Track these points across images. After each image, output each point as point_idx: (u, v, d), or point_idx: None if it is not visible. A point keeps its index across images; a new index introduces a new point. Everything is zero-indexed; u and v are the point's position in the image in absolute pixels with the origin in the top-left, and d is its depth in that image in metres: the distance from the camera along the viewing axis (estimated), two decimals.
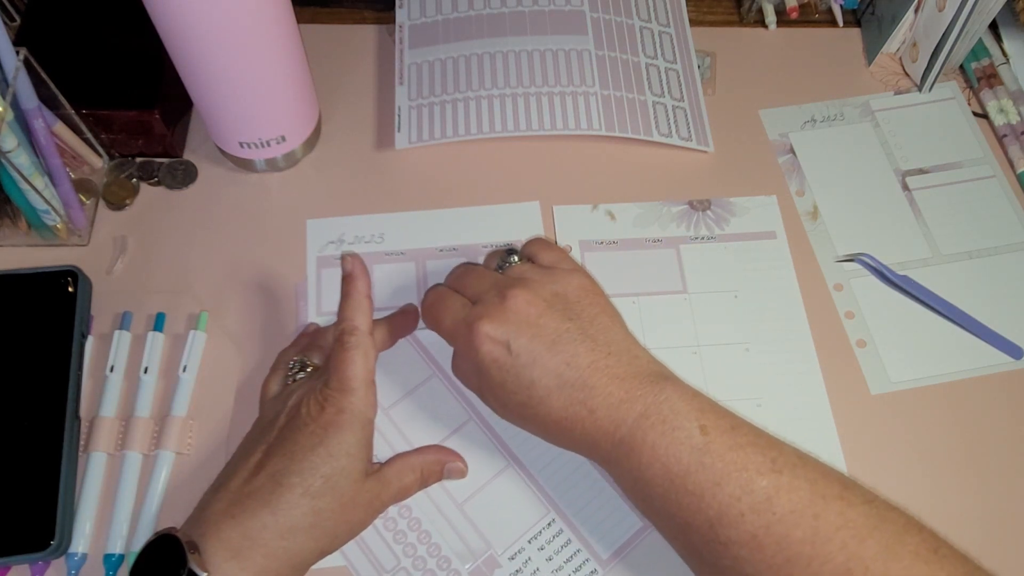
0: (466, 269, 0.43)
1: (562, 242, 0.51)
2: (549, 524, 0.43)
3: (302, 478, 0.37)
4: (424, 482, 0.42)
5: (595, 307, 0.40)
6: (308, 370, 0.43)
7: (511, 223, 0.52)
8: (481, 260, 0.50)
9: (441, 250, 0.50)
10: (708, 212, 0.53)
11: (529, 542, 0.43)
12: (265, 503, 0.36)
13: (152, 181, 0.52)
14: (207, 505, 0.37)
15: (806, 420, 0.46)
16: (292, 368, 0.43)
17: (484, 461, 0.44)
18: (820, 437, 0.46)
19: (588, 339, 0.38)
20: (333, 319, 0.48)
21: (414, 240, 0.51)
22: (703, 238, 0.52)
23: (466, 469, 0.44)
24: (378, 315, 0.48)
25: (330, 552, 0.38)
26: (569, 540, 0.43)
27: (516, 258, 0.43)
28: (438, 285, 0.44)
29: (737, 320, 0.49)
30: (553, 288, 0.40)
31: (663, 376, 0.37)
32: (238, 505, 0.36)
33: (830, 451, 0.46)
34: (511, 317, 0.38)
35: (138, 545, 0.41)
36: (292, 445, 0.38)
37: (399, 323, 0.46)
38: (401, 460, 0.42)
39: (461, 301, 0.41)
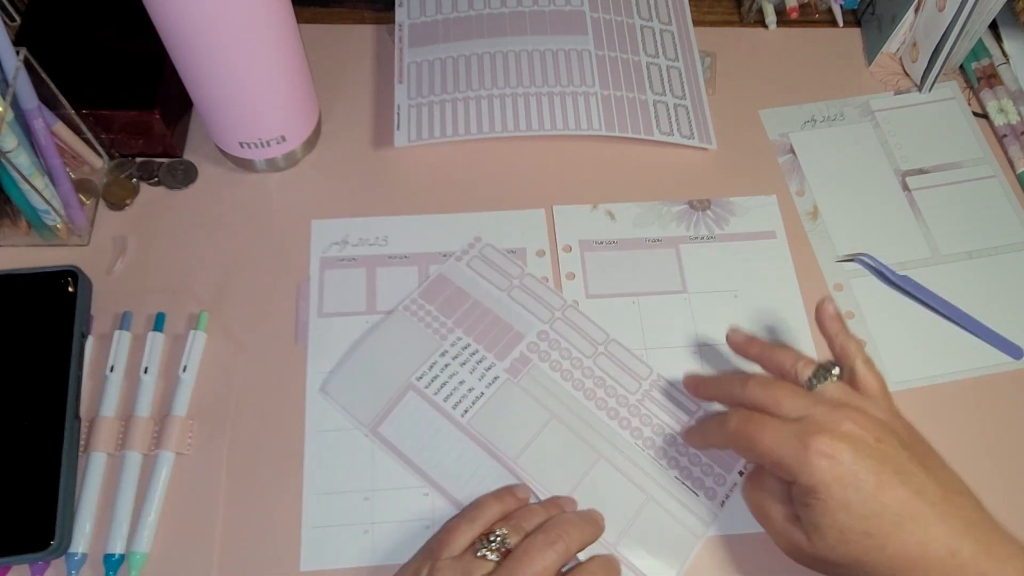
0: (767, 381, 0.39)
1: (562, 242, 0.51)
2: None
3: None
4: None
5: (924, 444, 0.38)
6: (500, 550, 0.37)
7: (516, 229, 0.52)
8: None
9: (444, 255, 0.50)
10: (708, 212, 0.53)
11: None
12: None
13: (152, 181, 0.52)
14: None
15: None
16: (492, 539, 0.38)
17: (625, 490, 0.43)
18: None
19: (931, 472, 0.35)
20: (333, 320, 0.48)
21: (418, 244, 0.51)
22: (703, 238, 0.52)
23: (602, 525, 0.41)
24: (381, 315, 0.48)
25: None
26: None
27: (837, 373, 0.39)
28: (731, 411, 0.39)
29: (737, 320, 0.49)
30: (882, 416, 0.37)
31: (1014, 537, 0.35)
32: None
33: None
34: (850, 436, 0.35)
35: (138, 545, 0.41)
36: None
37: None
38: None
39: (778, 420, 0.37)
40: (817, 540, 0.35)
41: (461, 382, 0.46)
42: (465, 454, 0.44)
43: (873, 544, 0.34)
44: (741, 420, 0.38)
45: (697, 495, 0.44)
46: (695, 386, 0.44)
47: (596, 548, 0.41)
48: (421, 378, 0.46)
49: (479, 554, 0.37)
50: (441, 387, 0.45)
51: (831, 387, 0.38)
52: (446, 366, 0.46)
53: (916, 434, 0.38)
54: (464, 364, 0.46)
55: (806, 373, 0.39)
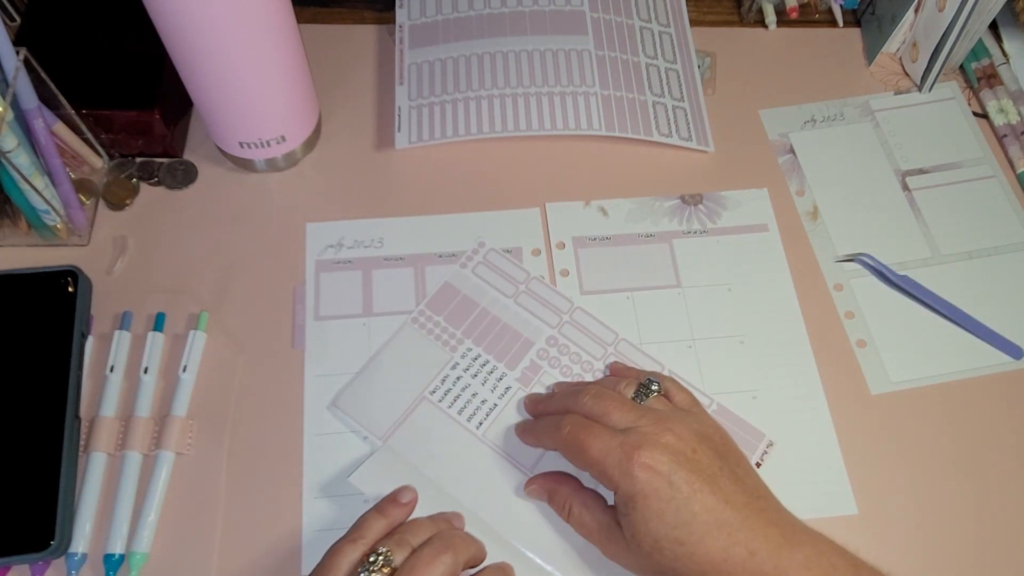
0: (600, 393, 0.41)
1: (556, 239, 0.51)
2: None
3: None
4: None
5: (737, 452, 0.40)
6: (384, 569, 0.36)
7: (511, 229, 0.52)
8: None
9: (440, 255, 0.50)
10: (700, 206, 0.53)
11: None
12: None
13: (152, 181, 0.52)
14: None
15: (802, 412, 0.47)
16: (374, 560, 0.36)
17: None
18: (816, 428, 0.46)
19: (739, 480, 0.38)
20: (330, 323, 0.48)
21: (413, 245, 0.51)
22: (696, 232, 0.52)
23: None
24: (377, 319, 0.48)
25: None
26: None
27: (656, 389, 0.41)
28: (566, 415, 0.41)
29: (731, 313, 0.49)
30: (699, 427, 0.39)
31: (811, 529, 0.38)
32: None
33: (828, 450, 0.46)
34: (670, 448, 0.37)
35: (138, 545, 0.41)
36: None
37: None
38: None
39: (608, 430, 0.39)
40: (635, 548, 0.37)
41: (474, 395, 0.45)
42: (481, 465, 0.44)
43: (684, 552, 0.36)
44: (574, 427, 0.39)
45: None
46: (531, 405, 0.45)
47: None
48: (434, 392, 0.45)
49: (366, 570, 0.36)
50: (455, 400, 0.45)
51: (654, 400, 0.41)
52: (458, 379, 0.46)
53: (730, 442, 0.40)
54: (476, 376, 0.46)
55: (629, 392, 0.42)
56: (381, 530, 0.39)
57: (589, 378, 0.46)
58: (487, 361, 0.47)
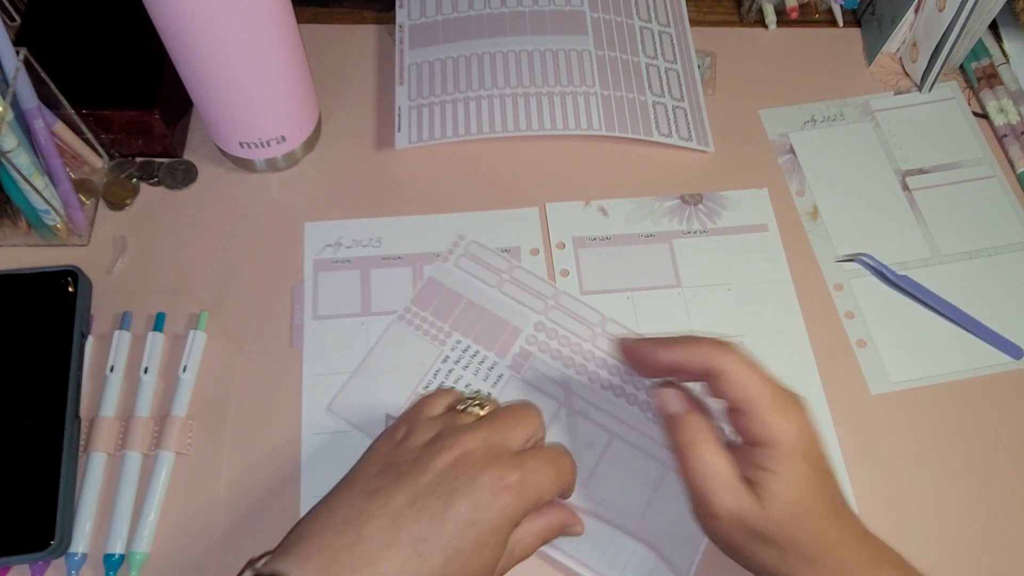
0: None
1: (556, 239, 0.51)
2: None
3: (444, 555, 0.32)
4: (542, 543, 0.38)
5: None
6: (483, 410, 0.38)
7: (509, 228, 0.52)
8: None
9: (439, 255, 0.50)
10: (700, 206, 0.53)
11: None
12: (401, 566, 0.32)
13: (152, 181, 0.52)
14: (328, 544, 0.32)
15: None
16: (470, 400, 0.38)
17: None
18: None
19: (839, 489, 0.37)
20: (329, 323, 0.48)
21: (412, 245, 0.51)
22: (695, 232, 0.52)
23: (583, 530, 0.40)
24: (376, 319, 0.48)
25: None
26: None
27: None
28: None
29: (731, 313, 0.49)
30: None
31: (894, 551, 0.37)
32: (368, 564, 0.32)
33: (828, 449, 0.45)
34: (817, 443, 0.36)
35: (138, 545, 0.41)
36: (444, 509, 0.33)
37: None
38: (525, 527, 0.37)
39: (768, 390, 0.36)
40: (761, 512, 0.34)
41: (467, 385, 0.46)
42: None
43: (816, 529, 0.34)
44: (732, 354, 0.37)
45: None
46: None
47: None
48: (428, 387, 0.46)
49: (461, 408, 0.38)
50: None
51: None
52: (450, 371, 0.46)
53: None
54: (467, 367, 0.46)
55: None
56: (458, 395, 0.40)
57: (579, 359, 0.47)
58: (477, 351, 0.47)
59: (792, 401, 0.36)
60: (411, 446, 0.36)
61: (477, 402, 0.38)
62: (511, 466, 0.35)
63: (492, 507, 0.34)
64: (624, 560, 0.42)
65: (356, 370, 0.46)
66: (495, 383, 0.46)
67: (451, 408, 0.39)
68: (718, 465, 0.36)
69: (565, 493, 0.39)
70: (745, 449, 0.36)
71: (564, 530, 0.39)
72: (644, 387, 0.46)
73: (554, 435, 0.44)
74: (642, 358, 0.39)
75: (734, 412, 0.36)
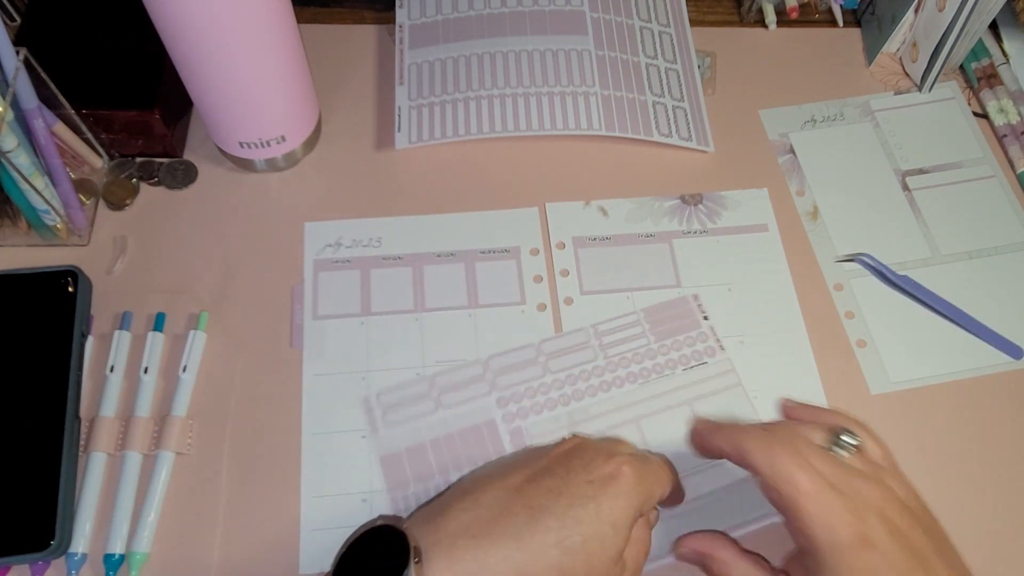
0: (789, 435, 0.35)
1: (555, 239, 0.51)
2: None
3: (562, 524, 0.32)
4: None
5: (938, 525, 0.35)
6: (854, 451, 0.36)
7: (509, 228, 0.52)
8: (479, 265, 0.50)
9: (439, 255, 0.50)
10: (700, 206, 0.53)
11: None
12: (515, 536, 0.32)
13: (152, 181, 0.52)
14: (446, 509, 0.33)
15: None
16: (845, 437, 0.36)
17: None
18: None
19: (947, 565, 0.33)
20: (329, 322, 0.48)
21: (412, 245, 0.51)
22: (696, 232, 0.52)
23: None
24: (376, 319, 0.48)
25: None
26: None
27: (852, 442, 0.36)
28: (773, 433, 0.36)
29: (731, 313, 0.49)
30: (906, 495, 0.35)
31: None
32: (483, 526, 0.32)
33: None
34: (886, 519, 0.32)
35: (138, 545, 0.41)
36: (562, 485, 0.34)
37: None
38: (643, 545, 0.36)
39: (817, 472, 0.33)
40: None
41: None
42: None
43: None
44: (783, 445, 0.34)
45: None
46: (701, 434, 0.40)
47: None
48: None
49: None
50: None
51: (848, 458, 0.35)
52: None
53: (929, 513, 0.36)
54: None
55: (817, 438, 0.35)
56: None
57: (555, 394, 0.46)
58: (475, 468, 0.44)
59: (850, 490, 0.32)
60: (525, 454, 0.38)
61: (852, 445, 0.36)
62: (626, 453, 0.36)
63: (609, 486, 0.34)
64: None
65: None
66: None
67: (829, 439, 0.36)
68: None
69: (674, 496, 0.40)
70: (800, 555, 0.34)
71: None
72: (650, 356, 0.47)
73: None
74: (701, 446, 0.39)
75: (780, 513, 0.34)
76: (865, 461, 0.35)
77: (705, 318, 0.48)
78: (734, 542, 0.38)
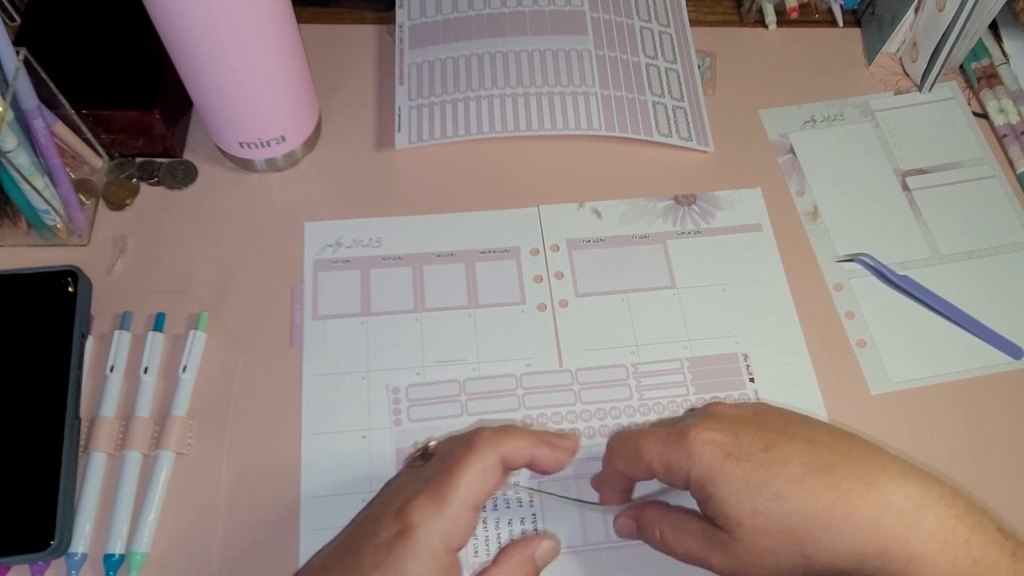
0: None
1: (549, 242, 0.51)
2: None
3: None
4: None
5: (803, 414, 0.36)
6: (427, 455, 0.37)
7: (509, 229, 0.52)
8: (479, 265, 0.50)
9: (439, 255, 0.50)
10: (694, 207, 0.53)
11: None
12: None
13: (152, 181, 0.52)
14: None
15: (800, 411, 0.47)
16: (415, 453, 0.37)
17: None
18: None
19: (817, 425, 0.34)
20: (329, 323, 0.48)
21: (412, 245, 0.51)
22: (689, 233, 0.52)
23: (558, 544, 0.38)
24: (376, 319, 0.48)
25: None
26: None
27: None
28: (612, 435, 0.38)
29: (726, 313, 0.49)
30: (753, 404, 0.37)
31: (919, 468, 0.34)
32: None
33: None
34: (726, 416, 0.35)
35: (138, 545, 0.41)
36: (353, 557, 0.33)
37: (548, 455, 0.37)
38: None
39: (655, 429, 0.36)
40: (742, 537, 0.32)
41: (509, 521, 0.42)
42: None
43: (790, 508, 0.31)
44: (620, 437, 0.37)
45: None
46: (602, 486, 0.41)
47: None
48: (477, 553, 0.42)
49: (406, 464, 0.38)
50: (498, 542, 0.42)
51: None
52: (484, 521, 0.42)
53: (765, 406, 0.37)
54: (496, 507, 0.43)
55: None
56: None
57: (595, 440, 0.45)
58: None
59: (681, 429, 0.34)
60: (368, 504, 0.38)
61: (419, 451, 0.37)
62: (413, 495, 0.34)
63: (395, 547, 0.32)
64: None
65: None
66: (530, 504, 0.43)
67: (406, 465, 0.39)
68: (691, 533, 0.35)
69: (522, 466, 0.36)
70: (692, 489, 0.35)
71: (536, 561, 0.37)
72: (648, 406, 0.46)
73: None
74: (608, 492, 0.40)
75: (658, 477, 0.36)
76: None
77: (751, 380, 0.47)
78: (662, 503, 0.38)
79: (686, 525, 0.35)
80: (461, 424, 0.45)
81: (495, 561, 0.37)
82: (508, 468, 0.36)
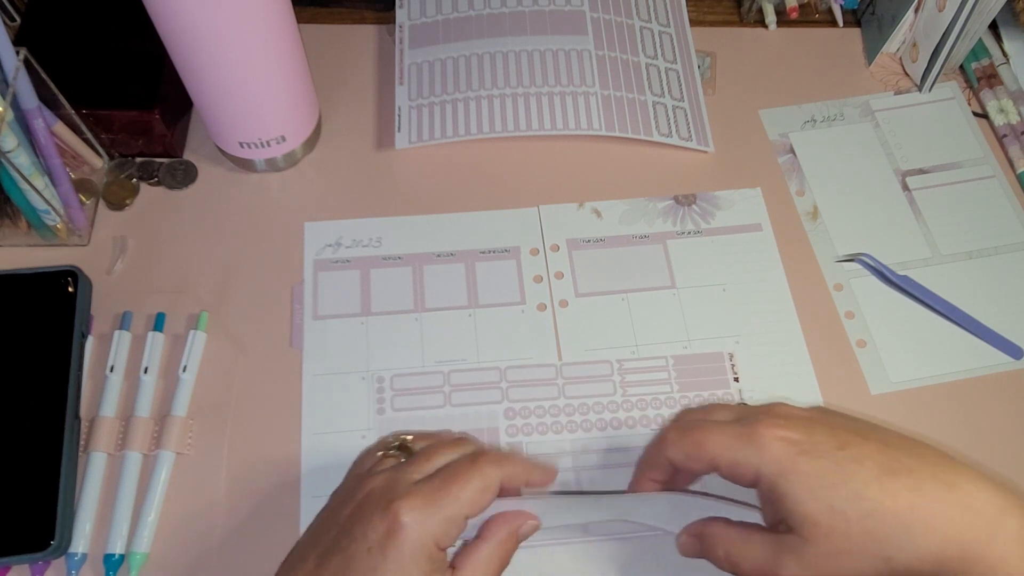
0: (695, 410, 0.38)
1: (549, 242, 0.51)
2: None
3: None
4: (503, 565, 0.36)
5: (841, 415, 0.37)
6: (404, 449, 0.37)
7: (509, 229, 0.52)
8: (479, 265, 0.50)
9: (439, 255, 0.50)
10: (694, 207, 0.53)
11: None
12: None
13: (152, 181, 0.52)
14: None
15: None
16: (391, 444, 0.37)
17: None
18: None
19: (882, 427, 0.34)
20: (329, 323, 0.48)
21: (412, 245, 0.51)
22: (689, 233, 0.52)
23: (539, 520, 0.37)
24: (376, 319, 0.48)
25: None
26: None
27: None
28: (668, 427, 0.37)
29: (726, 313, 0.49)
30: (817, 407, 0.37)
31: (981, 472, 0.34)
32: None
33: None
34: (793, 415, 0.34)
35: (138, 545, 0.41)
36: (346, 562, 0.32)
37: (539, 480, 0.37)
38: (472, 558, 0.35)
39: (718, 423, 0.35)
40: (818, 538, 0.31)
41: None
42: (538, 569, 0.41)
43: (870, 507, 0.31)
44: (679, 430, 0.36)
45: None
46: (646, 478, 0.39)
47: None
48: (455, 544, 0.41)
49: (381, 454, 0.37)
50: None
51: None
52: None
53: (829, 411, 0.37)
54: None
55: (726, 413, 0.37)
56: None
57: (576, 434, 0.45)
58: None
59: (751, 426, 0.33)
60: (331, 505, 0.36)
61: (396, 443, 0.37)
62: (404, 496, 0.33)
63: (388, 548, 0.32)
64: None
65: None
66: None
67: (380, 458, 0.38)
68: (757, 545, 0.33)
69: (510, 490, 0.36)
70: (759, 499, 0.34)
71: (519, 537, 0.36)
72: (635, 404, 0.46)
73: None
74: (645, 479, 0.39)
75: (721, 473, 0.35)
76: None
77: (736, 379, 0.47)
78: (723, 519, 0.36)
79: (751, 536, 0.34)
80: (444, 415, 0.45)
81: (481, 536, 0.36)
82: (503, 491, 0.36)
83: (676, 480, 0.39)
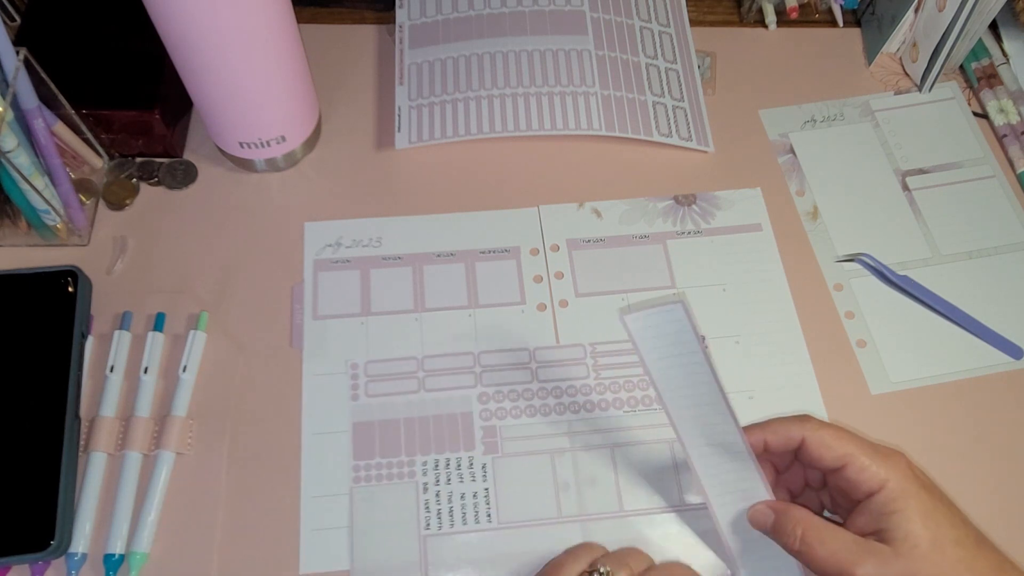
0: None
1: (549, 242, 0.51)
2: None
3: None
4: None
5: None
6: None
7: (509, 229, 0.52)
8: (479, 265, 0.50)
9: (439, 255, 0.50)
10: (694, 207, 0.53)
11: None
12: None
13: (152, 181, 0.52)
14: None
15: (800, 411, 0.46)
16: (602, 571, 0.37)
17: None
18: None
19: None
20: (329, 322, 0.48)
21: (412, 245, 0.51)
22: (689, 233, 0.52)
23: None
24: (376, 319, 0.48)
25: None
26: None
27: None
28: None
29: (726, 313, 0.49)
30: None
31: None
32: None
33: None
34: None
35: (138, 545, 0.41)
36: None
37: None
38: None
39: (858, 438, 0.38)
40: (912, 552, 0.34)
41: (462, 496, 0.43)
42: (512, 547, 0.42)
43: (967, 555, 0.34)
44: (816, 422, 0.38)
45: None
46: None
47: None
48: (429, 526, 0.43)
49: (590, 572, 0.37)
50: (451, 516, 0.43)
51: None
52: (438, 495, 0.43)
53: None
54: (450, 480, 0.44)
55: None
56: (597, 553, 0.39)
57: (537, 402, 0.46)
58: (448, 459, 0.44)
59: (887, 448, 0.37)
60: None
61: (604, 571, 0.37)
62: None
63: None
64: None
65: (352, 542, 0.42)
66: (483, 477, 0.44)
67: (586, 572, 0.38)
68: (840, 538, 0.35)
69: None
70: (861, 508, 0.36)
71: None
72: (608, 387, 0.46)
73: (567, 488, 0.44)
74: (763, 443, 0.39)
75: (834, 473, 0.37)
76: None
77: None
78: (807, 507, 0.38)
79: (836, 531, 0.36)
80: (418, 400, 0.46)
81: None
82: None
83: (786, 471, 0.41)
